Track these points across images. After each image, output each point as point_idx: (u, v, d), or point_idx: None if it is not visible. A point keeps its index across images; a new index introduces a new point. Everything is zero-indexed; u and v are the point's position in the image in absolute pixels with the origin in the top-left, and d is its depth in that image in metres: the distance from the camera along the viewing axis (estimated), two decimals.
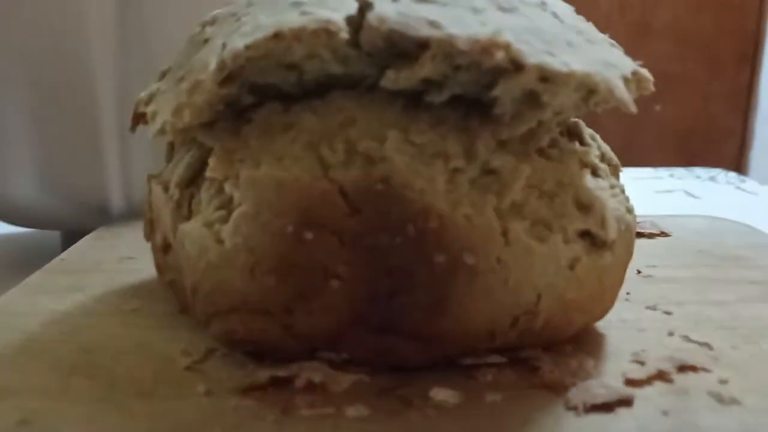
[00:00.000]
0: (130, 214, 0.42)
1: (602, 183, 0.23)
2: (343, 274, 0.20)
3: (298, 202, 0.20)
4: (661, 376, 0.21)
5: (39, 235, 0.46)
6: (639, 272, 0.31)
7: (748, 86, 1.62)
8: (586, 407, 0.20)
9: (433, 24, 0.19)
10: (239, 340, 0.22)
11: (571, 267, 0.21)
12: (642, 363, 0.22)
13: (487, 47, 0.19)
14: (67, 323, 0.26)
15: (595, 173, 0.23)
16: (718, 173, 0.63)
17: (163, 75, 0.25)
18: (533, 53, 0.19)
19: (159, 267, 0.27)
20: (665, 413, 0.19)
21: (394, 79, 0.20)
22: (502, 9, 0.20)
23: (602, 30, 0.23)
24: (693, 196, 0.55)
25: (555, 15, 0.21)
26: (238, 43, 0.20)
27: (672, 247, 0.35)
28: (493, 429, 0.19)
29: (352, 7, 0.20)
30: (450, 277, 0.20)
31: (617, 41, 0.23)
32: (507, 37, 0.19)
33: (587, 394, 0.20)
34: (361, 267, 0.20)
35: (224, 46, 0.21)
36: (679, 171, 0.65)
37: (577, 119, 0.25)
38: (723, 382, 0.21)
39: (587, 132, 0.25)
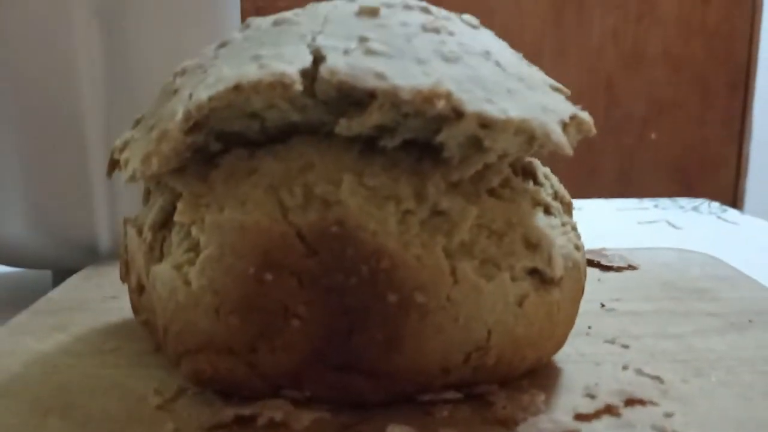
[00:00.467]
0: (117, 254, 0.42)
1: (554, 221, 0.24)
2: (303, 313, 0.21)
3: (258, 245, 0.21)
4: (609, 410, 0.22)
5: (31, 274, 0.47)
6: (603, 306, 0.31)
7: (741, 114, 1.63)
8: None
9: (379, 75, 0.20)
10: (207, 379, 0.23)
11: (520, 304, 0.22)
12: (593, 397, 0.23)
13: (428, 97, 0.20)
14: (48, 363, 0.26)
15: (547, 211, 0.24)
16: (702, 203, 0.64)
17: (137, 123, 0.26)
18: (473, 101, 0.20)
19: (134, 307, 0.28)
20: None
21: (347, 126, 0.21)
22: (446, 59, 0.21)
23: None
24: (674, 226, 0.56)
25: (497, 63, 0.22)
26: (203, 94, 0.21)
27: (639, 280, 0.35)
28: None
29: (307, 60, 0.21)
30: (402, 316, 0.21)
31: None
32: (448, 86, 0.20)
33: (535, 429, 0.20)
34: (320, 306, 0.21)
35: (191, 96, 0.22)
36: (664, 201, 0.66)
37: (531, 159, 0.25)
38: (668, 415, 0.22)
39: (541, 171, 0.26)
